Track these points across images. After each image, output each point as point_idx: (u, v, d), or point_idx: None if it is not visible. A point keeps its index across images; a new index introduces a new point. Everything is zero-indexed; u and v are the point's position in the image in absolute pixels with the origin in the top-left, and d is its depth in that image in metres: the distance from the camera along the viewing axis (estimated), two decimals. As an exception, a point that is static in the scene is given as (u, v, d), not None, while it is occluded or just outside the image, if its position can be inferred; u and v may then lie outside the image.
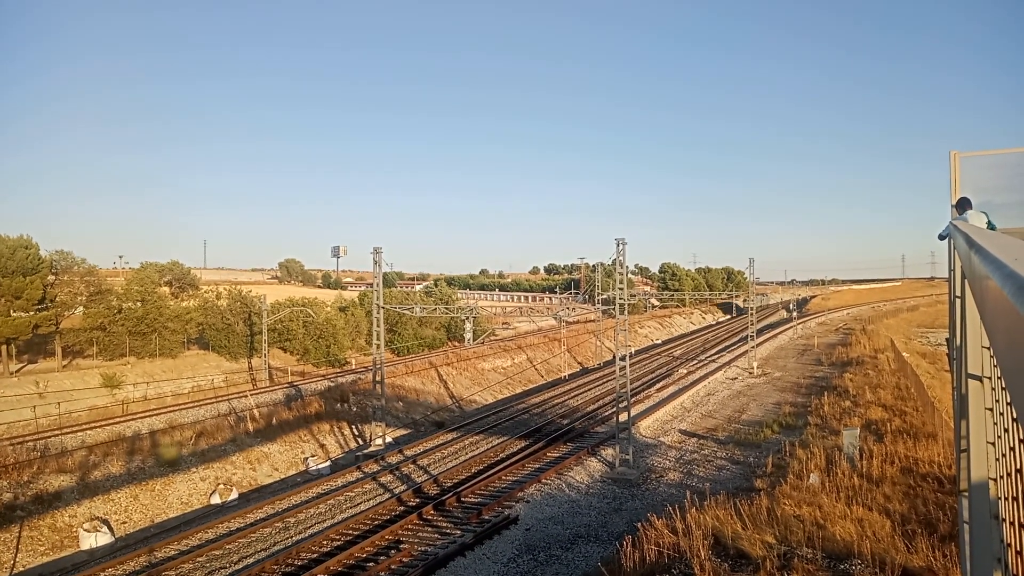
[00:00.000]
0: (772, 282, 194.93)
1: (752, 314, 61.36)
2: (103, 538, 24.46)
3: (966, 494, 4.19)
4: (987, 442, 3.35)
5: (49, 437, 30.25)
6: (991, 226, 7.96)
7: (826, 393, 38.74)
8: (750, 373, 54.36)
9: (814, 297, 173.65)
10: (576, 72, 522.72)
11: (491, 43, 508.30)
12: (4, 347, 44.96)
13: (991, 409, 3.29)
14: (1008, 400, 2.38)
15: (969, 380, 3.74)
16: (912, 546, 13.33)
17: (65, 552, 23.68)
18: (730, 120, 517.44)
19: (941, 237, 8.37)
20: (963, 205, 8.46)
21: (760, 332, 72.84)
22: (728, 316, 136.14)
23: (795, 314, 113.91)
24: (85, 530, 24.43)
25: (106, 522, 25.49)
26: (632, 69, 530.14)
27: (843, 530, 14.63)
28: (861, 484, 18.92)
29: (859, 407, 33.16)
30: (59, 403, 39.24)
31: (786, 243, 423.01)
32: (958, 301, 5.34)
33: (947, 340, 9.41)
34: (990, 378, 3.39)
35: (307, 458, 34.52)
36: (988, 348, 3.43)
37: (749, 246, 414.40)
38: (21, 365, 48.30)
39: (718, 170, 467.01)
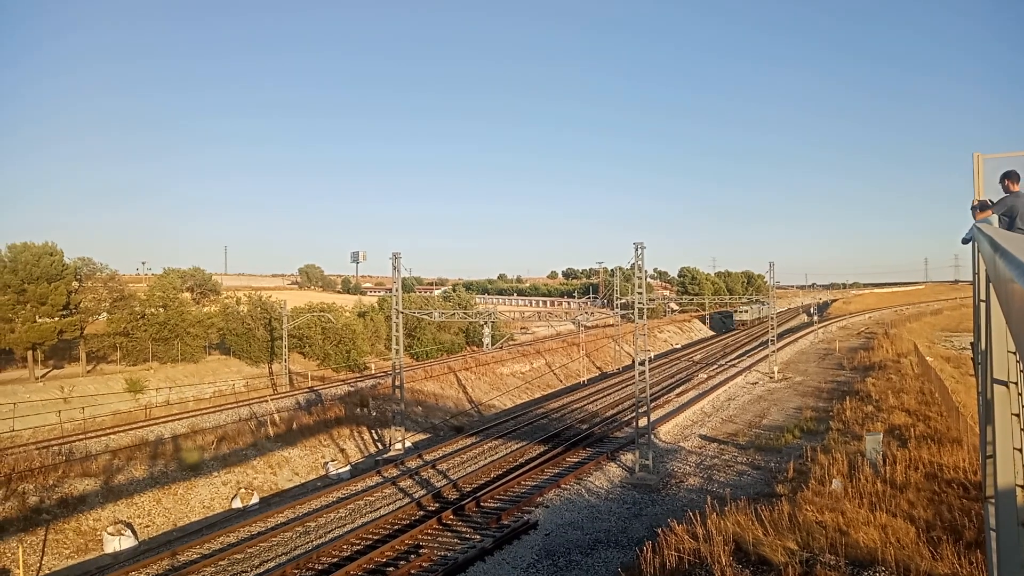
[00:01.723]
0: (792, 286, 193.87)
1: (772, 319, 60.77)
2: (127, 541, 24.74)
3: (992, 501, 4.15)
4: (1014, 448, 3.32)
5: (74, 441, 30.65)
6: None
7: (848, 398, 38.35)
8: (771, 378, 53.95)
9: (835, 301, 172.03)
10: (595, 79, 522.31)
11: (511, 49, 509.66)
12: (30, 352, 45.65)
13: (1018, 415, 3.26)
14: (1035, 406, 2.36)
15: (995, 385, 3.71)
16: (937, 553, 13.15)
17: (90, 555, 23.98)
18: (749, 127, 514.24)
19: (965, 241, 8.30)
20: (982, 208, 8.39)
21: (780, 336, 72.30)
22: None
23: (816, 318, 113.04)
24: (109, 533, 24.73)
25: (129, 525, 25.78)
26: (650, 76, 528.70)
27: (866, 536, 14.47)
28: (884, 490, 18.70)
29: (882, 412, 32.80)
30: (83, 408, 39.76)
31: (807, 247, 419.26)
32: (983, 305, 5.29)
33: (971, 344, 9.30)
34: (1016, 383, 3.36)
35: (327, 463, 34.70)
36: (1014, 353, 3.40)
37: (770, 250, 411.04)
38: (47, 370, 49.00)
39: (738, 176, 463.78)
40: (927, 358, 48.37)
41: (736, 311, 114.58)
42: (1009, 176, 8.26)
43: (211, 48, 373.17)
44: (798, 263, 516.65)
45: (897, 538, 14.31)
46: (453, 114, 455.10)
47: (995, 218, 8.15)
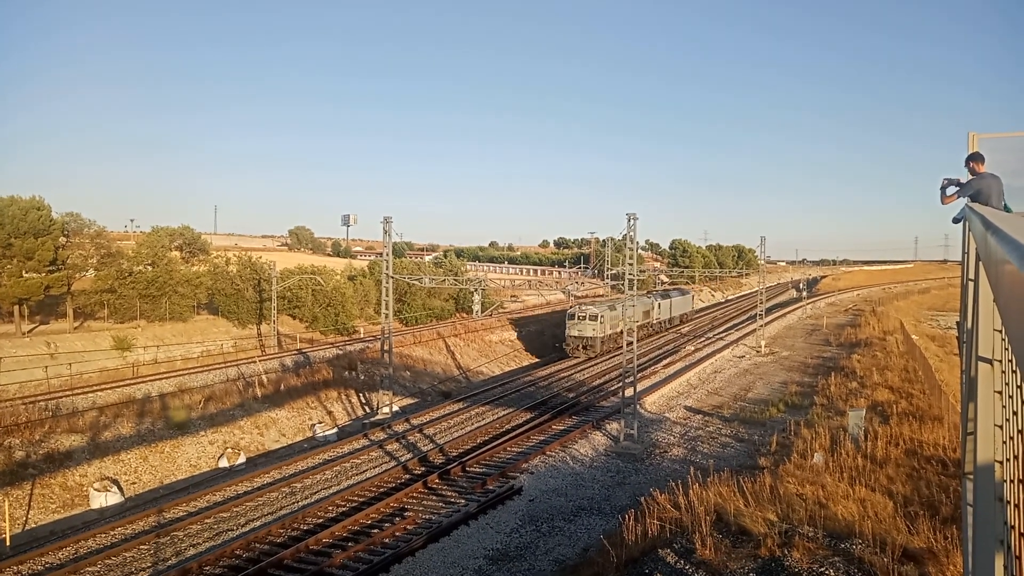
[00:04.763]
0: (783, 261, 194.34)
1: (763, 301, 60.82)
2: (113, 498, 24.88)
3: (971, 476, 4.20)
4: (995, 425, 3.35)
5: (60, 397, 30.61)
6: (1007, 209, 7.89)
7: (833, 374, 38.69)
8: (758, 352, 54.33)
9: (825, 277, 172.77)
10: (589, 45, 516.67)
11: (505, 10, 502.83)
12: (16, 308, 45.33)
13: (1000, 392, 3.28)
14: (1019, 383, 2.37)
15: (979, 363, 3.73)
16: (913, 527, 13.38)
17: (76, 510, 24.10)
18: (744, 97, 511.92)
19: (956, 220, 8.29)
20: (948, 190, 8.37)
21: (769, 311, 72.66)
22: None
23: (805, 294, 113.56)
24: (96, 489, 24.85)
25: (116, 482, 25.90)
26: (645, 42, 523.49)
27: (845, 510, 14.70)
28: (865, 465, 18.97)
29: (866, 388, 33.14)
30: (70, 364, 39.64)
31: (798, 222, 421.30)
32: (971, 284, 5.30)
33: (957, 323, 9.36)
34: (1000, 361, 3.37)
35: (314, 424, 34.86)
36: (1000, 331, 3.41)
37: (761, 225, 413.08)
38: (33, 326, 48.73)
39: (731, 147, 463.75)
40: (912, 336, 48.79)
41: (572, 311, 52.82)
42: (974, 158, 8.16)
43: (204, 6, 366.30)
44: (789, 239, 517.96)
45: (875, 512, 14.54)
46: (448, 78, 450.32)
47: (962, 202, 8.14)
